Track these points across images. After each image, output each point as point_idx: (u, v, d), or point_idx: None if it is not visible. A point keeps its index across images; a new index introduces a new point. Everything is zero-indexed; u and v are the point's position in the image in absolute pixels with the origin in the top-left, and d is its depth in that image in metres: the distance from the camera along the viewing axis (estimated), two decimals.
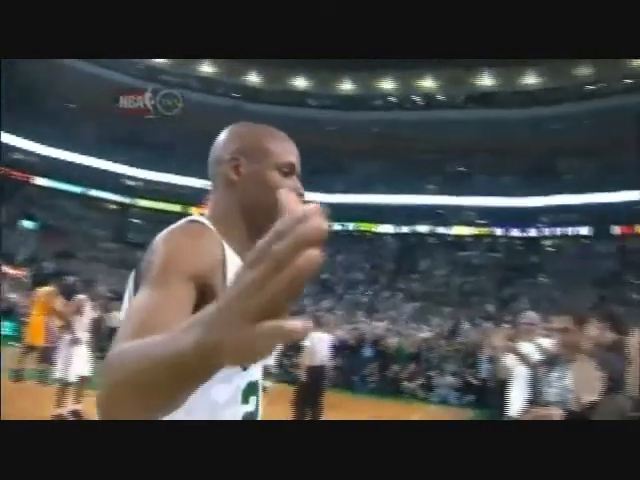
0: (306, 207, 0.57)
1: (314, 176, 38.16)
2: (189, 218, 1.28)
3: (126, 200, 38.93)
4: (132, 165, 37.55)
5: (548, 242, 37.68)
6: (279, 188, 1.32)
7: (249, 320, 0.58)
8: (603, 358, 3.36)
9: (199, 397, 0.86)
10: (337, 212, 37.46)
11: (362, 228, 38.56)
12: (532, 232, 37.07)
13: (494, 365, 5.74)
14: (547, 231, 37.28)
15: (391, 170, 37.27)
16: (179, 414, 0.84)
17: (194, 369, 0.67)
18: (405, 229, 37.59)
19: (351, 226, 37.91)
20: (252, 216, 1.33)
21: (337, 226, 38.98)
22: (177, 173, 37.09)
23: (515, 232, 37.26)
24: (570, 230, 36.51)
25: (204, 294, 1.10)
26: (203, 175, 1.46)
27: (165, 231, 1.20)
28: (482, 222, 37.74)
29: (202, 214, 1.38)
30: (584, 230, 36.03)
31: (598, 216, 34.62)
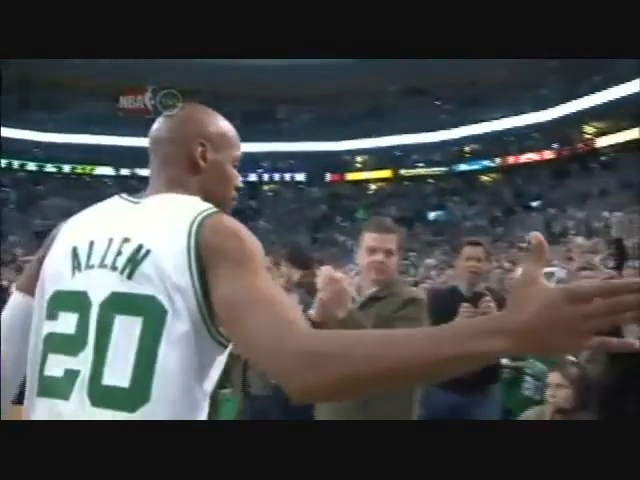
0: None
1: (25, 112, 34.78)
2: (209, 205, 1.25)
3: None
4: None
5: (267, 187, 39.21)
6: (234, 181, 1.43)
7: (576, 337, 0.84)
8: (296, 294, 3.49)
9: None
10: (52, 153, 34.72)
11: (79, 170, 36.32)
12: (252, 177, 38.22)
13: None
14: (266, 176, 38.73)
15: (110, 109, 35.40)
16: None
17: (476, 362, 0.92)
18: (125, 172, 36.21)
19: (67, 168, 35.49)
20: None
21: (51, 168, 36.18)
22: None
23: None
24: (287, 176, 38.37)
25: None
26: None
27: (223, 218, 1.21)
28: None
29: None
30: (300, 176, 38.13)
31: (312, 163, 36.84)
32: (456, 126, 34.08)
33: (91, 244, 1.22)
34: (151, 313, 1.11)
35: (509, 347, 0.86)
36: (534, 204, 29.90)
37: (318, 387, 0.94)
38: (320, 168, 37.13)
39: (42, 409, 1.16)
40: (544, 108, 31.52)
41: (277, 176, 38.64)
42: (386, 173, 37.59)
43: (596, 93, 29.59)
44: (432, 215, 33.66)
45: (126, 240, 1.18)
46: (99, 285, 1.17)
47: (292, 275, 3.93)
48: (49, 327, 1.20)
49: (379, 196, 36.94)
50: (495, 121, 33.09)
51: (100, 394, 1.10)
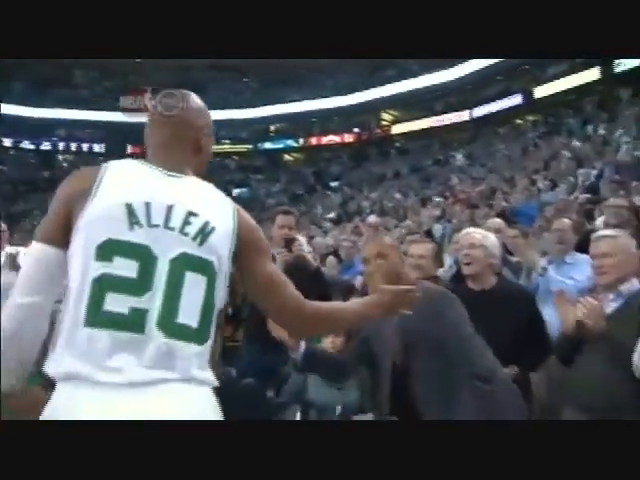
0: (414, 287, 1.83)
1: None
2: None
3: None
4: None
5: (62, 157, 36.90)
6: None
7: (399, 309, 1.81)
8: None
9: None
10: None
11: None
12: (46, 145, 35.75)
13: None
14: (62, 145, 36.42)
15: None
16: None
17: (370, 320, 2.00)
18: None
19: None
20: None
21: None
22: None
23: (27, 144, 35.37)
24: (85, 146, 36.40)
25: None
26: None
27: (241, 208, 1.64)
28: None
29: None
30: (98, 147, 36.33)
31: (112, 134, 35.24)
32: (262, 105, 34.44)
33: (147, 205, 1.48)
34: (212, 274, 1.51)
35: (383, 313, 1.79)
36: (333, 184, 31.15)
37: (313, 334, 2.41)
38: (120, 139, 35.59)
39: (103, 339, 1.37)
40: (345, 94, 32.89)
41: (74, 146, 36.47)
42: None
43: (392, 83, 31.50)
44: (236, 191, 33.81)
45: (192, 214, 1.51)
46: (167, 243, 1.47)
47: None
48: (102, 268, 1.41)
49: None
50: (299, 102, 33.93)
51: (175, 329, 1.43)
